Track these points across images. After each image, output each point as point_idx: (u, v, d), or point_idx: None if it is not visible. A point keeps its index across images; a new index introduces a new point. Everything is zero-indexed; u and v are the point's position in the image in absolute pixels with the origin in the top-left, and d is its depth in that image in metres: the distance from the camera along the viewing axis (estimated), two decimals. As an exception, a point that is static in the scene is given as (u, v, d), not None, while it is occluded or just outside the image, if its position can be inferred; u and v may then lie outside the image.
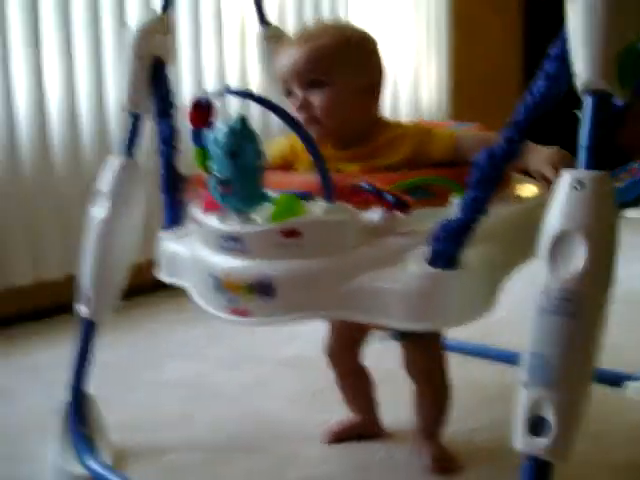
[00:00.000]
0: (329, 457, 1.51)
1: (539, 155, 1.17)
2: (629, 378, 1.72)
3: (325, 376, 1.55)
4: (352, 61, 1.27)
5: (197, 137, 1.16)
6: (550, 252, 0.90)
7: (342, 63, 1.26)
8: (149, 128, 1.52)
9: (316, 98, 1.26)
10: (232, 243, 1.09)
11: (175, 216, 1.41)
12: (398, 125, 1.34)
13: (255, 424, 1.65)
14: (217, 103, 1.16)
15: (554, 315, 0.88)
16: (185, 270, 1.26)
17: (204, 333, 2.20)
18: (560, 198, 0.90)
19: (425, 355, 1.43)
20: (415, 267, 1.03)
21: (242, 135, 1.05)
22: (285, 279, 1.06)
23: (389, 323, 1.08)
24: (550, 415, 0.88)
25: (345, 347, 1.51)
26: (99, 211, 1.46)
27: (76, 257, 1.50)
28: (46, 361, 2.06)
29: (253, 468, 1.48)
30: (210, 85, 2.75)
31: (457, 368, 1.49)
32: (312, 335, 1.56)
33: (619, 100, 0.94)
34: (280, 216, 1.05)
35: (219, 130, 1.06)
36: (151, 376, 1.95)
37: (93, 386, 1.54)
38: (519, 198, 1.27)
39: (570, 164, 0.93)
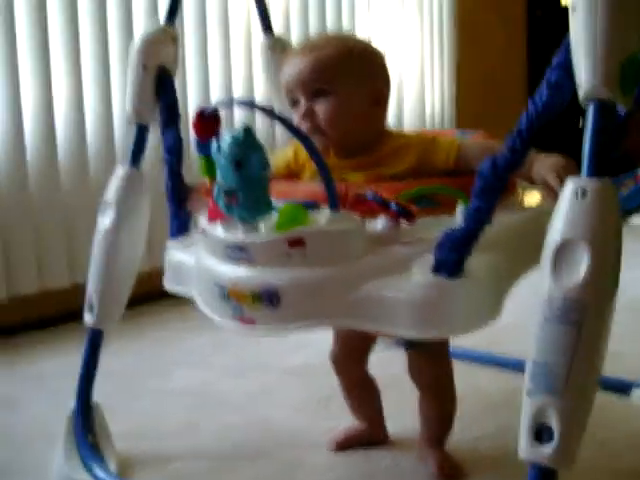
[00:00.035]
0: (335, 465, 1.51)
1: (543, 163, 1.17)
2: (635, 385, 1.72)
3: (331, 384, 1.55)
4: (356, 71, 1.28)
5: (202, 147, 1.17)
6: (553, 260, 0.90)
7: (345, 73, 1.27)
8: (155, 138, 1.53)
9: (320, 107, 1.26)
10: (237, 252, 1.09)
11: (181, 225, 1.41)
12: (402, 134, 1.35)
13: (261, 432, 1.66)
14: (222, 113, 1.16)
15: (557, 324, 0.88)
16: (191, 279, 1.27)
17: (210, 341, 2.20)
18: (563, 206, 0.90)
19: (431, 363, 1.43)
20: (420, 276, 1.03)
21: (247, 145, 1.05)
22: (290, 288, 1.06)
23: (395, 332, 1.08)
24: (554, 423, 0.88)
25: (350, 355, 1.51)
26: (105, 221, 1.47)
27: (81, 266, 1.51)
28: (51, 370, 2.07)
29: (259, 476, 1.48)
30: (216, 95, 2.76)
31: (463, 375, 1.49)
32: (318, 343, 1.57)
33: (622, 108, 0.94)
34: (285, 226, 1.05)
35: (224, 140, 1.07)
36: (157, 384, 1.95)
37: (99, 394, 1.54)
38: (524, 206, 1.27)
39: (574, 172, 0.93)
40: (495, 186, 0.99)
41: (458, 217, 1.08)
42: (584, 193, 0.89)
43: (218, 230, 1.13)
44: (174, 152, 1.43)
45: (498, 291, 1.09)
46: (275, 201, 1.10)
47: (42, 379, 2.01)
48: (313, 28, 3.11)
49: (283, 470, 1.49)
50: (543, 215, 1.00)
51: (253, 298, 1.08)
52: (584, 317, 0.88)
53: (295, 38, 2.96)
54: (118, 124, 2.52)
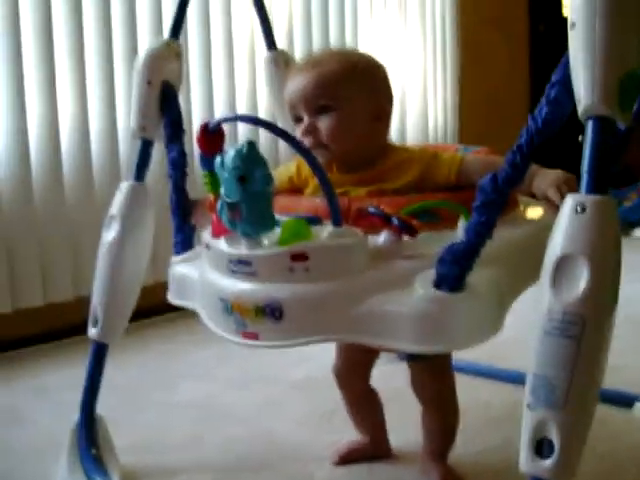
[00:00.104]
0: (338, 478, 1.51)
1: (544, 178, 1.18)
2: (637, 399, 1.72)
3: (334, 398, 1.56)
4: (359, 87, 1.29)
5: (206, 162, 1.18)
6: (553, 275, 0.90)
7: (349, 89, 1.28)
8: (159, 152, 1.54)
9: (323, 123, 1.27)
10: (241, 266, 1.10)
11: (185, 239, 1.42)
12: (404, 149, 1.36)
13: (265, 445, 1.66)
14: (226, 128, 1.17)
15: (557, 338, 0.89)
16: (195, 293, 1.28)
17: (214, 354, 2.21)
18: (563, 222, 0.91)
19: (433, 377, 1.44)
20: (422, 290, 1.03)
21: (250, 160, 1.06)
22: (293, 302, 1.06)
23: (397, 346, 1.09)
24: (554, 436, 0.89)
25: (353, 369, 1.51)
26: (109, 234, 1.49)
27: (86, 279, 1.52)
28: (55, 383, 2.07)
29: (262, 489, 1.49)
30: (220, 110, 2.78)
31: (465, 389, 1.49)
32: (321, 357, 1.57)
33: (622, 124, 0.95)
34: (288, 240, 1.06)
35: (228, 155, 1.07)
36: (161, 397, 1.96)
37: (103, 407, 1.55)
38: (525, 221, 1.28)
39: (575, 187, 0.94)
40: (496, 201, 1.00)
41: (459, 232, 1.09)
42: (583, 208, 0.90)
43: (222, 244, 1.13)
44: (178, 167, 1.44)
45: (499, 305, 1.10)
46: (278, 216, 1.10)
47: (46, 392, 2.02)
48: (316, 43, 3.12)
49: (286, 483, 1.50)
50: (544, 230, 1.01)
51: (256, 312, 1.08)
52: (584, 331, 0.88)
53: (298, 53, 2.97)
54: (123, 139, 2.53)
